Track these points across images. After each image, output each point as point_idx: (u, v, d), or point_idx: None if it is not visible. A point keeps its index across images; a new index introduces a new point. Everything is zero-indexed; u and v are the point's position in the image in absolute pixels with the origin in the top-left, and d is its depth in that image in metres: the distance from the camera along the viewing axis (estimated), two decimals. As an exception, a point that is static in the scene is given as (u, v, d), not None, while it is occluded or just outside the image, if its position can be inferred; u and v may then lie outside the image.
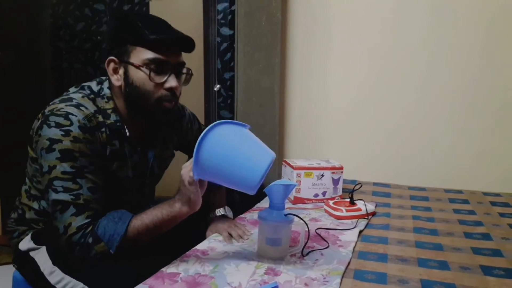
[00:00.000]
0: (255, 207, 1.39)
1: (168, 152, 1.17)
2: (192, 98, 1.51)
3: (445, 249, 1.03)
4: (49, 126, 0.89)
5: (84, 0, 1.84)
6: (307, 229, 0.98)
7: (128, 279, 0.85)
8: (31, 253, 1.01)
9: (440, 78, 1.80)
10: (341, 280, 0.86)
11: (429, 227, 1.20)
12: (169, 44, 0.95)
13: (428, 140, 1.85)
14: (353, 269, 0.92)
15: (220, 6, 1.46)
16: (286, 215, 0.94)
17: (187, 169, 0.89)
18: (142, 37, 0.92)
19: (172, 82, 0.95)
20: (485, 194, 1.56)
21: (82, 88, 1.00)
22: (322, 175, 1.43)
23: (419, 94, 1.84)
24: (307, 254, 0.98)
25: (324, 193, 1.43)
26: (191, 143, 1.20)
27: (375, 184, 1.72)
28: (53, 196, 0.89)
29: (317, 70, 1.98)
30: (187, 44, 0.98)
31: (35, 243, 1.01)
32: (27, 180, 1.04)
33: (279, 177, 1.69)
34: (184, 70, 1.00)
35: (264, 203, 1.42)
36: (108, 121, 0.97)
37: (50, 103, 0.95)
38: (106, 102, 0.98)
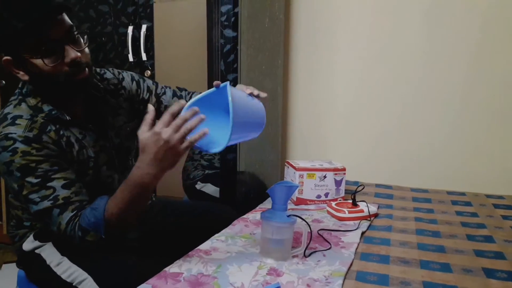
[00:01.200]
0: (257, 207, 1.40)
1: (120, 119, 1.13)
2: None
3: (447, 251, 1.03)
4: None
5: (89, 1, 1.86)
6: (309, 230, 0.98)
7: (132, 277, 0.86)
8: (37, 251, 1.02)
9: (442, 79, 1.80)
10: (343, 281, 0.86)
11: (431, 229, 1.20)
12: (43, 21, 0.86)
13: (430, 142, 1.85)
14: (355, 271, 0.92)
15: (224, 8, 1.47)
16: (288, 216, 0.94)
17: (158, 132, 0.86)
18: (12, 31, 0.85)
19: (70, 55, 0.90)
20: (488, 196, 1.56)
21: (14, 95, 0.99)
22: (325, 177, 1.43)
23: (421, 97, 1.84)
24: (310, 255, 0.98)
25: (326, 194, 1.44)
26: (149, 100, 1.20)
27: (377, 185, 1.72)
28: (35, 208, 0.92)
29: (320, 72, 1.98)
30: (59, 6, 0.89)
31: (40, 241, 1.03)
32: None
33: (282, 178, 1.69)
34: (76, 32, 0.93)
35: (267, 204, 1.42)
36: (43, 114, 0.95)
37: None
38: (33, 98, 0.97)
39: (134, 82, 1.18)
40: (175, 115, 0.87)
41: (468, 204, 1.46)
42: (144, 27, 1.78)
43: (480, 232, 1.17)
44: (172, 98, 1.24)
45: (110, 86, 1.12)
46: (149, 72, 1.84)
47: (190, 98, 1.25)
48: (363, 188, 1.50)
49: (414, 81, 1.85)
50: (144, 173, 0.88)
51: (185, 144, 0.86)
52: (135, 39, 1.80)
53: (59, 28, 0.89)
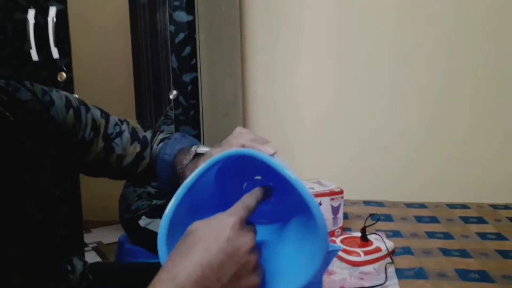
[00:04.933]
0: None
1: (45, 177, 0.67)
2: (119, 108, 1.11)
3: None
4: None
5: None
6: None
7: None
8: None
9: (418, 78, 1.60)
10: None
11: (472, 267, 0.94)
12: None
13: (404, 151, 1.64)
14: None
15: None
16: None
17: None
18: None
19: None
20: (494, 207, 1.35)
21: None
22: (320, 204, 1.10)
23: (395, 98, 1.62)
24: None
25: (324, 227, 1.11)
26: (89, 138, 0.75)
27: (366, 203, 1.44)
28: None
29: (283, 71, 1.66)
30: None
31: None
32: None
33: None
34: None
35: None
36: None
37: None
38: None
39: (71, 111, 0.72)
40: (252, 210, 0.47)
41: (481, 220, 1.24)
42: (52, 10, 1.28)
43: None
44: (131, 144, 0.78)
45: (28, 115, 0.66)
46: (64, 75, 1.36)
47: (161, 142, 0.79)
48: (378, 220, 1.14)
49: (388, 77, 1.62)
50: None
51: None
52: (40, 28, 1.30)
53: None
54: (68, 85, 1.42)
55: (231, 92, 1.40)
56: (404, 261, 0.98)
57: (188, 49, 1.08)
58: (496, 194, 1.48)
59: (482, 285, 0.86)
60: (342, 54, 1.63)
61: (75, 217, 1.43)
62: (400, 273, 0.93)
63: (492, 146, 1.52)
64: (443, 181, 1.55)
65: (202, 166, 0.49)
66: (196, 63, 1.08)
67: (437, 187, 1.55)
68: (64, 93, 0.74)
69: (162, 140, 0.78)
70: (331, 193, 1.12)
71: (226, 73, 1.34)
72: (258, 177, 0.55)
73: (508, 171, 1.51)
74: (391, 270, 0.93)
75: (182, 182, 0.49)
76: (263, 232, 0.50)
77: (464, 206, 1.36)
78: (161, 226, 0.47)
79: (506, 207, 1.34)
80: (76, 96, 0.78)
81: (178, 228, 0.47)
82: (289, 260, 0.48)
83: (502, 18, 1.52)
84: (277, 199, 0.53)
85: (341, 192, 1.14)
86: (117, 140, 0.76)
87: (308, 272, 0.45)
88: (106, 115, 0.78)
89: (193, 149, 0.71)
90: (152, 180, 0.80)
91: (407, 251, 1.04)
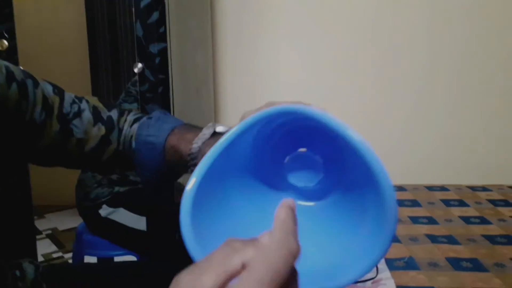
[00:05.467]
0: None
1: None
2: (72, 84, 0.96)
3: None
4: None
5: None
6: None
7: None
8: None
9: (393, 62, 1.53)
10: None
11: (463, 254, 0.90)
12: None
13: (382, 134, 1.58)
14: None
15: None
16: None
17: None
18: None
19: None
20: (472, 188, 1.33)
21: None
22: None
23: (374, 80, 1.55)
24: None
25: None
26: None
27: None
28: None
29: (256, 41, 1.54)
30: None
31: None
32: None
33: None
34: None
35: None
36: None
37: None
38: None
39: (14, 86, 0.57)
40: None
41: (462, 203, 1.21)
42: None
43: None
44: (94, 126, 0.64)
45: None
46: (5, 43, 1.17)
47: (135, 122, 0.65)
48: None
49: (367, 60, 1.54)
50: None
51: None
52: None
53: None
54: (12, 55, 1.23)
55: (202, 66, 1.27)
56: (392, 250, 0.93)
57: (155, 15, 0.93)
58: (472, 176, 1.47)
59: (476, 274, 0.83)
60: (320, 24, 1.53)
61: (24, 207, 1.26)
62: (390, 264, 0.87)
63: (469, 128, 1.50)
64: (421, 164, 1.52)
65: (243, 122, 0.38)
66: (165, 31, 0.94)
67: (416, 170, 1.52)
68: (4, 63, 0.59)
69: (136, 120, 0.65)
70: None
71: (196, 43, 1.21)
72: (302, 150, 0.44)
73: (484, 152, 1.50)
74: (381, 261, 0.87)
75: (191, 167, 0.38)
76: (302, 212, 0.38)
77: (443, 188, 1.33)
78: (184, 201, 0.35)
79: (484, 189, 1.33)
80: (21, 68, 0.63)
81: (205, 194, 0.36)
82: (336, 250, 0.39)
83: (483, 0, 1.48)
84: (326, 176, 0.43)
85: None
86: (76, 122, 0.62)
87: (365, 264, 0.36)
88: (60, 91, 0.64)
89: (210, 125, 0.57)
90: (121, 168, 0.67)
91: (393, 238, 0.99)
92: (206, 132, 0.57)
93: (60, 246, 2.35)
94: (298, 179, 0.44)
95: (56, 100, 0.62)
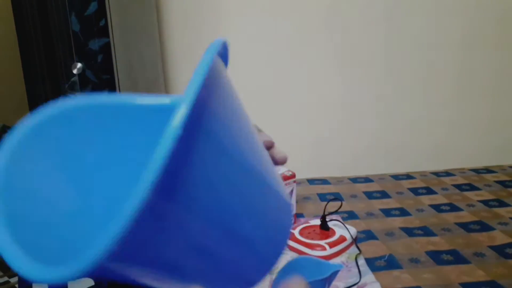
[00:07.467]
0: None
1: None
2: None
3: None
4: None
5: None
6: None
7: None
8: None
9: (353, 44, 1.49)
10: None
11: (441, 246, 0.87)
12: None
13: (336, 120, 1.54)
14: None
15: None
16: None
17: None
18: None
19: None
20: (436, 174, 1.32)
21: None
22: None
23: (333, 63, 1.50)
24: None
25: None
26: None
27: (310, 181, 1.32)
28: None
29: (208, 33, 1.43)
30: None
31: None
32: None
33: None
34: None
35: None
36: None
37: None
38: None
39: None
40: None
41: (430, 191, 1.19)
42: None
43: None
44: None
45: None
46: None
47: None
48: (340, 206, 0.99)
49: (329, 43, 1.48)
50: None
51: None
52: None
53: None
54: None
55: (151, 63, 1.15)
56: (370, 249, 0.88)
57: (94, 5, 0.80)
58: (434, 161, 1.47)
59: (459, 268, 0.79)
60: (278, 10, 1.45)
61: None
62: (371, 264, 0.82)
63: (425, 111, 1.50)
64: (382, 151, 1.50)
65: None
66: (106, 24, 0.81)
67: (378, 158, 1.49)
68: None
69: None
70: (283, 178, 0.97)
71: (141, 34, 1.08)
72: None
73: (442, 135, 1.51)
74: (362, 262, 0.82)
75: None
76: None
77: (409, 177, 1.32)
78: None
79: (447, 173, 1.33)
80: None
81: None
82: None
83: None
84: None
85: (293, 176, 0.99)
86: None
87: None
88: None
89: None
90: None
91: (369, 235, 0.94)
92: None
93: (5, 269, 2.12)
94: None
95: None
